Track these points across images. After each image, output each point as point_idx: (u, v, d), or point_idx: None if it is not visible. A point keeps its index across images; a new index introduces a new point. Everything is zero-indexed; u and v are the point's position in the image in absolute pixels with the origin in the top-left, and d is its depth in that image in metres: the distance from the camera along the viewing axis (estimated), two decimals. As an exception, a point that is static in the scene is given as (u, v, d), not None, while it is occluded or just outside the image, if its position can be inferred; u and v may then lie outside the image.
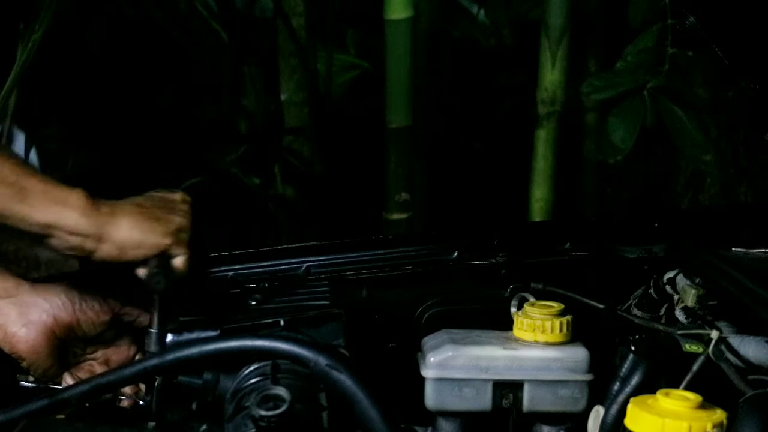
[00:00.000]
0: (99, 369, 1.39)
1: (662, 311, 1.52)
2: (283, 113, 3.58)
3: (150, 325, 1.33)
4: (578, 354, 1.35)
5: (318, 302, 1.40)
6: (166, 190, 1.41)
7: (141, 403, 1.36)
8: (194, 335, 1.31)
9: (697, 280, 1.48)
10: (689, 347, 1.31)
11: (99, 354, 1.41)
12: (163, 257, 1.31)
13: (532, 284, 1.52)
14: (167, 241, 1.31)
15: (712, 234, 1.69)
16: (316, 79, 3.64)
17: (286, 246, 1.70)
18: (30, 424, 1.20)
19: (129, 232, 1.28)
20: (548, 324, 1.35)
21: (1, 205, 1.23)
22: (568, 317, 1.37)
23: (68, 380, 1.37)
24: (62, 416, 1.27)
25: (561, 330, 1.35)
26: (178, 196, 1.39)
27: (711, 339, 1.29)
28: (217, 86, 3.79)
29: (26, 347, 1.34)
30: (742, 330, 1.37)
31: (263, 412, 1.06)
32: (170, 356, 1.24)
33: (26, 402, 1.23)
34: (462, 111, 4.07)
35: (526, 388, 1.34)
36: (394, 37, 3.14)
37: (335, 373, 1.19)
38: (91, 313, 1.37)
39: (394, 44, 3.15)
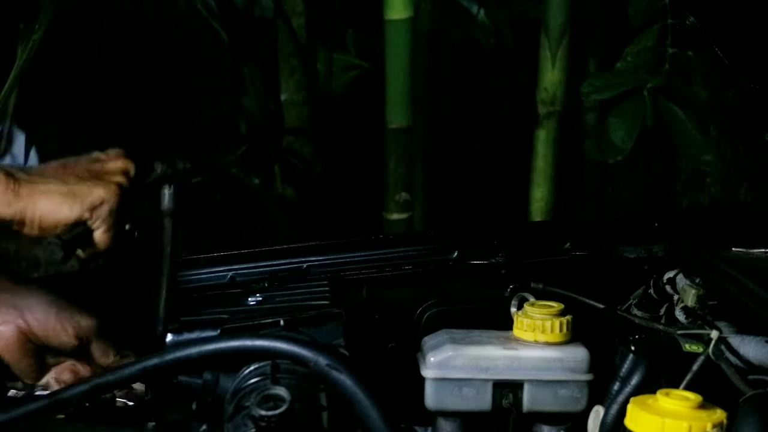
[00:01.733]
0: (82, 368, 1.38)
1: (662, 311, 1.52)
2: (283, 113, 3.58)
3: (155, 311, 1.34)
4: (578, 354, 1.35)
5: (318, 302, 1.40)
6: (105, 153, 1.38)
7: (130, 404, 1.36)
8: (194, 335, 1.31)
9: (697, 280, 1.48)
10: (689, 347, 1.31)
11: (80, 357, 1.40)
12: (76, 229, 1.29)
13: (532, 284, 1.52)
14: (79, 214, 1.29)
15: (712, 234, 1.69)
16: (316, 79, 3.64)
17: (286, 246, 1.70)
18: (30, 425, 1.20)
19: (46, 213, 1.28)
20: (548, 324, 1.35)
21: None
22: (568, 317, 1.37)
23: (50, 380, 1.36)
24: (62, 416, 1.27)
25: (561, 330, 1.35)
26: (111, 164, 1.36)
27: (711, 339, 1.29)
28: (217, 86, 3.79)
29: (1, 345, 1.34)
30: (742, 330, 1.37)
31: (263, 412, 1.06)
32: (170, 356, 1.24)
33: (26, 402, 1.23)
34: (462, 111, 4.07)
35: (526, 388, 1.34)
36: (394, 37, 3.15)
37: (335, 373, 1.19)
38: (68, 325, 1.36)
39: (394, 44, 3.15)
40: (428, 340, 1.39)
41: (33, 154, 3.49)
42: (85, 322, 1.37)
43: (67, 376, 1.36)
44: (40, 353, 1.37)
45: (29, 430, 1.20)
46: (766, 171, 3.22)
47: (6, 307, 1.34)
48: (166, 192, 1.35)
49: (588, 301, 1.48)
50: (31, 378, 1.37)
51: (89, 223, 1.30)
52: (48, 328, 1.35)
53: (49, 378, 1.37)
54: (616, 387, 1.28)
